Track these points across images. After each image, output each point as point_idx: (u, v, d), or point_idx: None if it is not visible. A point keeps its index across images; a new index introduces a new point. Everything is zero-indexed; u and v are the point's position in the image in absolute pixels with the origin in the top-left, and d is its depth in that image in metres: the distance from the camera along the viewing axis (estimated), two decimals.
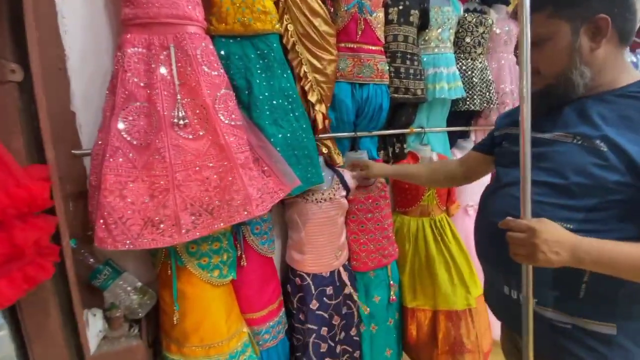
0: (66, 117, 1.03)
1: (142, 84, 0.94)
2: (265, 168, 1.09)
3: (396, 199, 1.72)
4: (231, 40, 1.12)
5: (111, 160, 0.90)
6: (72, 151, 1.00)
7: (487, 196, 0.91)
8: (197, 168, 0.95)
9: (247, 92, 1.13)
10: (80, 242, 1.03)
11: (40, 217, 0.66)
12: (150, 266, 1.18)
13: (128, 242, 0.88)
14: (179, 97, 0.95)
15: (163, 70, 0.95)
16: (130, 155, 0.93)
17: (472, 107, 1.76)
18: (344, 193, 1.39)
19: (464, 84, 1.72)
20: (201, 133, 0.97)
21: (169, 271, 1.08)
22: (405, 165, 1.58)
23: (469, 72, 1.77)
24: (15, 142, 0.70)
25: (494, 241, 0.81)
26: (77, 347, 0.80)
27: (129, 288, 1.11)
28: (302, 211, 1.32)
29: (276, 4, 1.20)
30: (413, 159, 1.69)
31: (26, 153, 0.73)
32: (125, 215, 0.89)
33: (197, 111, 0.97)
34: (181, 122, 0.94)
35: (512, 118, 0.95)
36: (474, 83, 1.77)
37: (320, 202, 1.34)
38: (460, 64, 1.76)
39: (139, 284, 1.14)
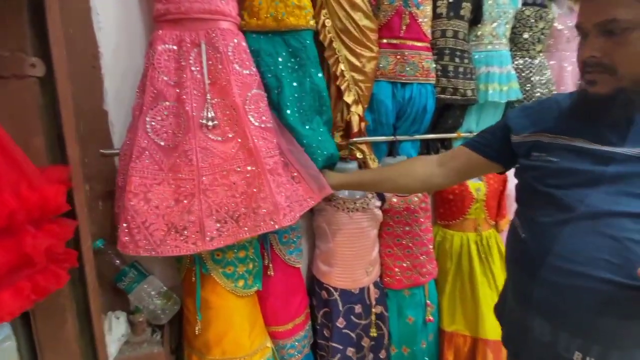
0: (98, 115, 1.03)
1: (171, 83, 0.91)
2: (295, 174, 1.03)
3: (438, 210, 1.57)
4: (262, 36, 1.06)
5: (137, 162, 0.87)
6: (101, 150, 0.99)
7: (549, 228, 0.70)
8: (225, 172, 0.90)
9: (277, 91, 1.06)
10: (108, 242, 1.02)
11: (57, 222, 0.63)
12: (176, 269, 1.15)
13: (150, 248, 0.85)
14: (208, 96, 0.91)
15: (193, 68, 0.91)
16: (157, 157, 0.90)
17: None
18: (378, 203, 1.28)
19: (520, 84, 1.54)
20: (230, 135, 0.92)
21: (193, 278, 1.04)
22: (361, 172, 1.25)
23: (527, 71, 1.57)
24: (35, 141, 0.67)
25: (572, 295, 0.64)
26: (95, 356, 0.76)
27: (153, 292, 1.08)
28: (332, 220, 1.22)
29: None
30: None
31: (48, 152, 0.71)
32: (149, 220, 0.86)
33: (227, 112, 0.92)
34: (210, 123, 0.90)
35: (541, 120, 0.77)
36: (533, 83, 1.57)
37: (352, 211, 1.23)
38: (516, 62, 1.58)
39: (164, 288, 1.11)
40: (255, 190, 0.90)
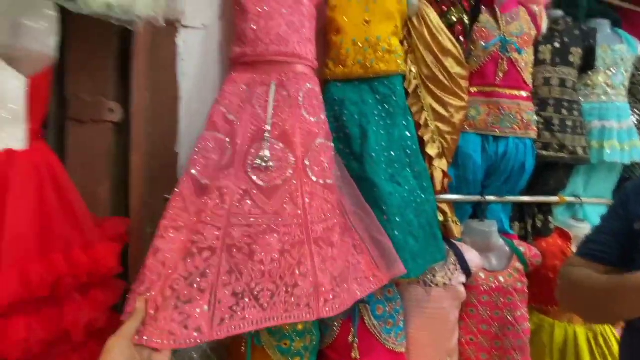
0: (169, 158, 1.00)
1: (229, 117, 0.83)
2: (358, 242, 0.85)
3: (532, 290, 1.26)
4: (348, 84, 0.98)
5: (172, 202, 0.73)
6: (165, 195, 0.93)
7: None
8: (262, 227, 0.72)
9: (360, 141, 0.95)
10: None
11: (104, 286, 0.54)
12: None
13: (136, 337, 0.60)
14: (267, 135, 0.80)
15: (257, 106, 0.83)
16: (188, 193, 0.74)
17: None
18: (462, 279, 1.05)
19: None
20: (278, 182, 0.77)
21: (243, 348, 0.90)
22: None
23: None
24: (101, 189, 0.61)
25: None
26: None
27: (193, 352, 0.96)
28: (405, 295, 1.02)
29: (401, 42, 1.03)
30: (561, 238, 1.25)
31: (112, 199, 0.65)
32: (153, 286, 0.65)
33: (283, 159, 0.80)
34: (263, 163, 0.76)
35: None
36: None
37: (430, 286, 1.02)
38: (637, 116, 1.31)
39: (207, 350, 0.98)
40: (292, 261, 0.72)
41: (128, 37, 0.69)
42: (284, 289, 0.70)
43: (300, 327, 0.90)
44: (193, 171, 0.76)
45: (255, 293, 0.68)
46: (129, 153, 0.68)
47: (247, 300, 0.67)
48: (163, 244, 0.67)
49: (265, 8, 0.87)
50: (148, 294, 0.62)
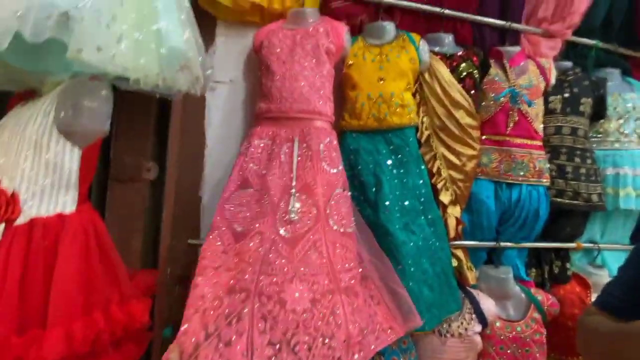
0: (193, 201, 1.06)
1: (261, 172, 0.90)
2: (374, 292, 0.85)
3: (552, 339, 1.23)
4: (362, 135, 1.04)
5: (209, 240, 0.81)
6: (189, 241, 0.98)
7: None
8: (289, 275, 0.75)
9: (374, 189, 0.99)
10: (177, 328, 0.97)
11: (134, 343, 0.58)
12: None
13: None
14: (293, 190, 0.86)
15: (283, 160, 0.90)
16: (226, 237, 0.82)
17: None
18: (478, 328, 1.04)
19: None
20: (302, 232, 0.82)
21: None
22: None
23: None
24: (134, 242, 0.67)
25: None
26: None
27: None
28: (420, 344, 1.01)
29: (413, 95, 1.09)
30: (580, 285, 1.23)
31: (142, 250, 0.70)
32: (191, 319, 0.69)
33: (306, 210, 0.85)
34: (293, 215, 0.82)
35: None
36: None
37: (446, 336, 1.01)
38: None
39: None
40: (325, 311, 0.72)
41: (166, 101, 0.76)
42: (321, 340, 0.70)
43: None
44: (232, 221, 0.82)
45: (292, 345, 0.68)
46: (161, 206, 0.74)
47: (285, 355, 0.67)
48: (202, 280, 0.71)
49: (290, 71, 0.95)
50: (186, 326, 0.64)
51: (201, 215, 1.09)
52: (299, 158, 0.90)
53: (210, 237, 0.82)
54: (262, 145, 0.93)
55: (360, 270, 0.85)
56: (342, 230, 0.86)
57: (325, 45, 0.99)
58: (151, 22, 0.61)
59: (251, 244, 0.80)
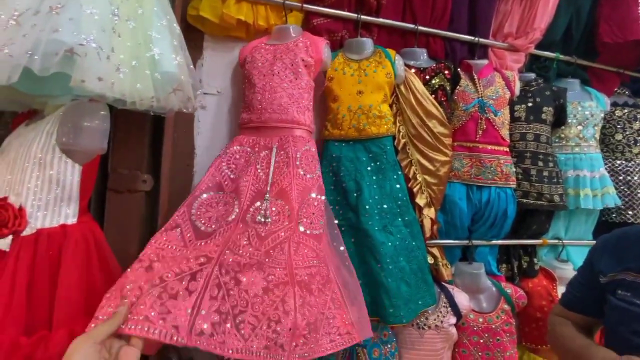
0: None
1: (232, 176, 0.94)
2: (337, 296, 0.84)
3: (523, 329, 1.33)
4: (344, 144, 1.11)
5: (164, 234, 0.76)
6: None
7: None
8: (251, 262, 0.77)
9: (355, 194, 1.07)
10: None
11: None
12: None
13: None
14: (267, 196, 0.90)
15: (259, 167, 0.94)
16: (187, 235, 0.80)
17: (632, 220, 1.36)
18: (453, 320, 1.13)
19: (618, 189, 1.37)
20: (274, 230, 0.85)
21: None
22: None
23: (622, 175, 1.40)
24: (131, 246, 0.73)
25: None
26: None
27: None
28: (399, 337, 1.09)
29: (390, 106, 1.17)
30: (547, 279, 1.33)
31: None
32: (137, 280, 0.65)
33: (282, 213, 0.89)
34: (262, 219, 0.86)
35: (624, 256, 0.74)
36: (633, 186, 1.38)
37: (423, 328, 1.10)
38: (610, 164, 1.43)
39: None
40: (277, 298, 0.73)
41: (160, 116, 0.82)
42: (267, 323, 0.70)
43: None
44: (196, 221, 0.82)
45: (237, 322, 0.69)
46: (156, 215, 0.80)
47: (228, 326, 0.68)
48: (148, 256, 0.67)
49: (270, 83, 1.02)
50: (129, 286, 0.61)
51: None
52: (276, 164, 0.95)
53: (170, 230, 0.78)
54: (241, 151, 0.98)
55: (326, 273, 0.85)
56: (308, 232, 0.88)
57: (304, 58, 1.04)
58: (146, 49, 0.67)
59: (212, 240, 0.80)
